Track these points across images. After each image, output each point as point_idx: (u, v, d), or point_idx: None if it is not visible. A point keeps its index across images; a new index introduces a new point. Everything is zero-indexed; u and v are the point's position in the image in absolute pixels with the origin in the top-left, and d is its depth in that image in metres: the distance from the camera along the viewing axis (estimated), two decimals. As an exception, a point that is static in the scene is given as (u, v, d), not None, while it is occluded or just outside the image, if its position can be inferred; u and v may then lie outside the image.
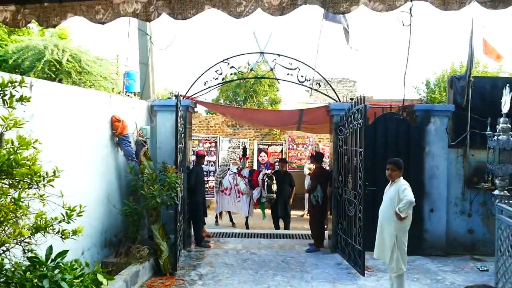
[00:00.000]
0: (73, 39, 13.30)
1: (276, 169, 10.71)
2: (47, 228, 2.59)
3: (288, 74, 6.82)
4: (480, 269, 5.82)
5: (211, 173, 12.06)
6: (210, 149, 12.71)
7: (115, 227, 5.60)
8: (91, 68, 12.02)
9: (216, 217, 9.84)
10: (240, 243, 7.30)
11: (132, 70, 8.69)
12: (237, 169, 9.49)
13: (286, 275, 5.57)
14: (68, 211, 2.54)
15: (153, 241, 5.67)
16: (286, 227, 8.76)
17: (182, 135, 6.18)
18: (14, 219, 2.24)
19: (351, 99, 6.75)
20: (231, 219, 9.87)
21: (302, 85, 6.88)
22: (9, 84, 2.17)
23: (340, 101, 6.85)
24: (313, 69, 6.85)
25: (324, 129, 8.26)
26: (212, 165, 12.34)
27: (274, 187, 8.63)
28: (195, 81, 6.94)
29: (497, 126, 4.73)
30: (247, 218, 9.23)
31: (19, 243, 2.45)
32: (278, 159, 11.71)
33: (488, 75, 15.63)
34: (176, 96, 5.83)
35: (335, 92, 6.85)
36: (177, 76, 39.17)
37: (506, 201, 4.58)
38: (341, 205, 6.32)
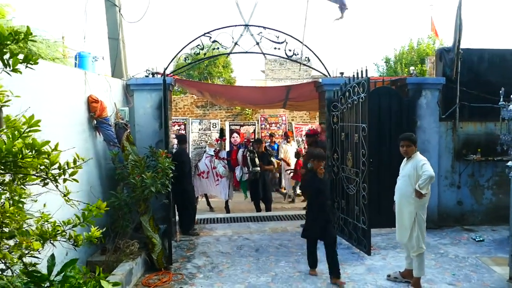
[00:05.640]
0: (13, 19, 11.66)
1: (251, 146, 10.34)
2: (56, 235, 2.05)
3: (275, 48, 6.37)
4: (476, 239, 5.89)
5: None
6: (180, 131, 12.02)
7: (98, 222, 4.95)
8: (38, 49, 10.63)
9: (194, 202, 9.36)
10: (228, 229, 6.92)
11: (84, 51, 7.68)
12: (214, 151, 8.99)
13: (289, 260, 5.29)
14: (86, 212, 2.01)
15: (140, 234, 5.14)
16: (268, 209, 8.48)
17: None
18: (24, 228, 1.68)
19: (341, 73, 6.48)
20: (208, 203, 9.43)
21: (290, 59, 6.48)
22: (10, 37, 1.56)
23: (330, 75, 6.53)
24: (302, 43, 6.44)
25: (311, 105, 7.96)
26: (182, 148, 11.68)
27: (257, 161, 8.26)
28: (175, 57, 6.27)
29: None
30: (227, 201, 8.83)
31: (23, 257, 1.90)
32: (253, 139, 11.32)
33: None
34: (160, 73, 5.22)
35: (325, 67, 6.52)
36: (150, 52, 36.74)
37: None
38: (337, 184, 6.10)
